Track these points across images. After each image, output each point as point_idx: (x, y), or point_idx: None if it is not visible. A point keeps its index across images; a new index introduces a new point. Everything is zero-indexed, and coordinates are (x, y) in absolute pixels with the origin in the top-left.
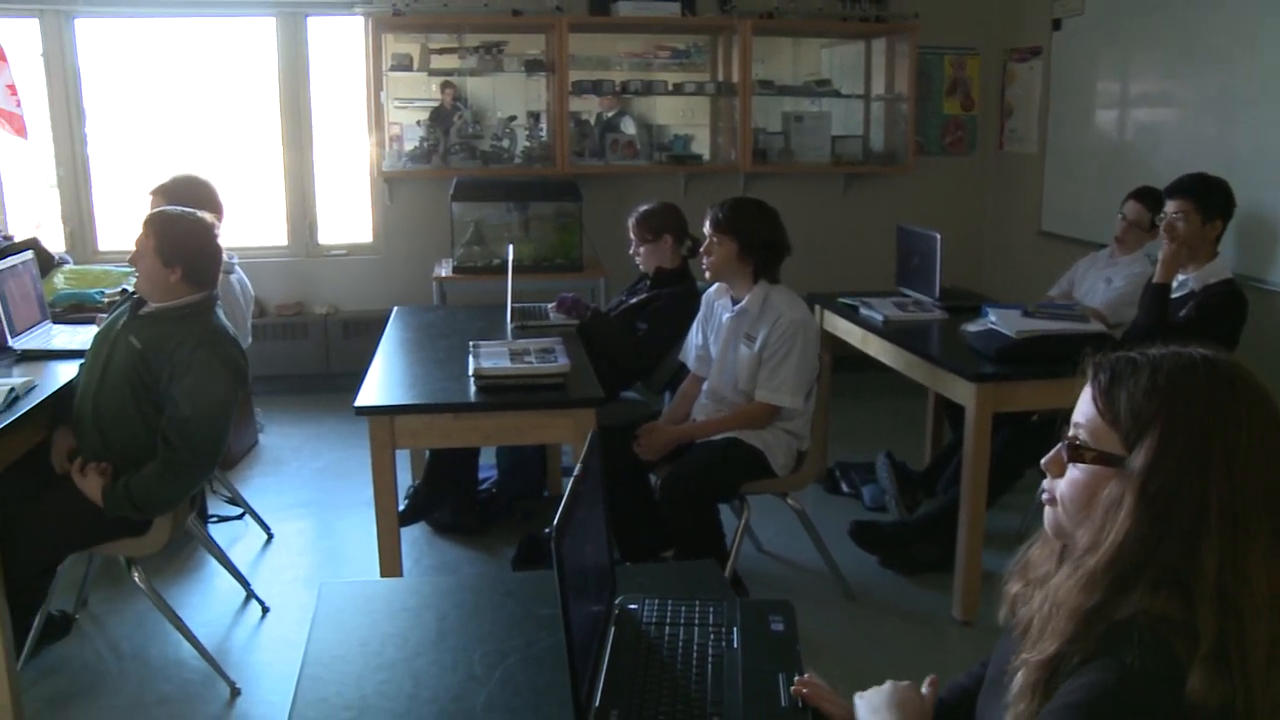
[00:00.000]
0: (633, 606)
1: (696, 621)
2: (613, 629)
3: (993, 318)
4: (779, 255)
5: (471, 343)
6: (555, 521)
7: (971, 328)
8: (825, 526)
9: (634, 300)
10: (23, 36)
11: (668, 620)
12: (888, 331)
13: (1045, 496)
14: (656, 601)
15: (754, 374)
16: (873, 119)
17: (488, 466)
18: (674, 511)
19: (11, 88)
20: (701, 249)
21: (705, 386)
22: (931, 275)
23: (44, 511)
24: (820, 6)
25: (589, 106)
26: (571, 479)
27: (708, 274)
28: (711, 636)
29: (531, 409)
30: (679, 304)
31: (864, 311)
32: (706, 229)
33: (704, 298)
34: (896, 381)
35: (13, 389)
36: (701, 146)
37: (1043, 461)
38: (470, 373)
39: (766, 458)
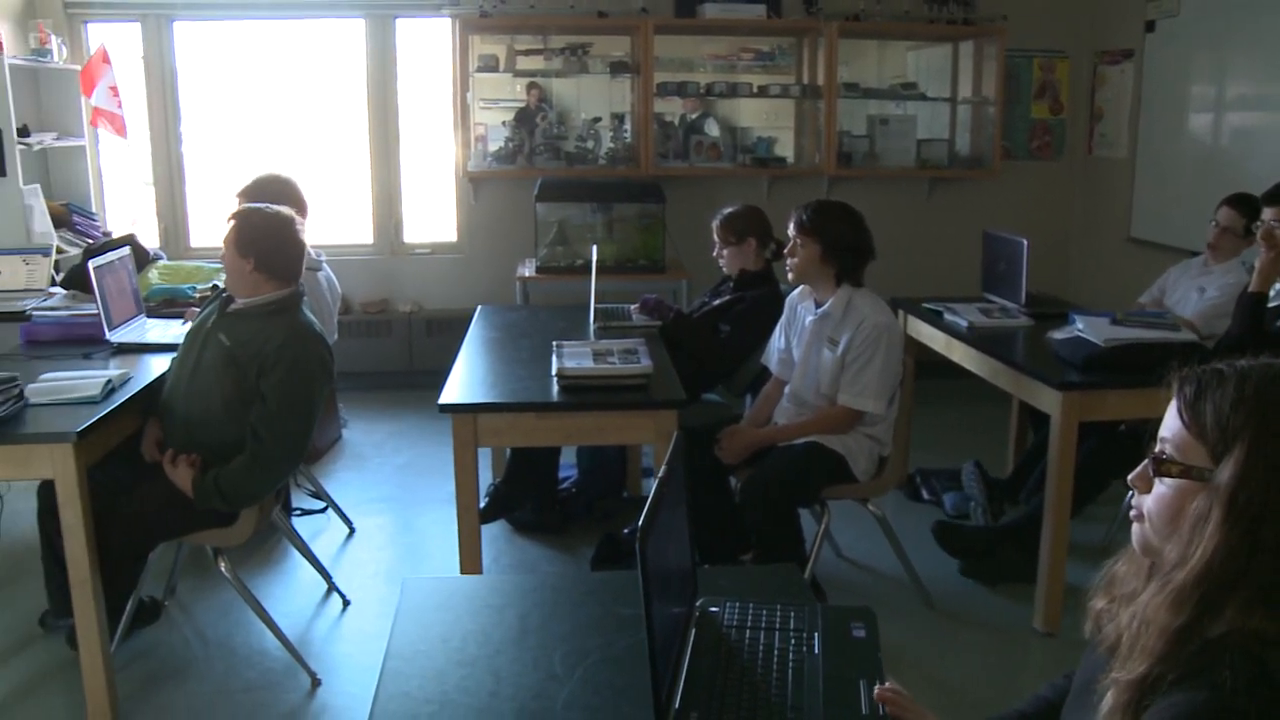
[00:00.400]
0: (714, 609)
1: (778, 626)
2: (693, 631)
3: (1080, 325)
4: (863, 258)
5: (555, 342)
6: (640, 522)
7: (1058, 335)
8: (905, 533)
9: (717, 302)
10: (125, 40)
11: (748, 624)
12: (972, 338)
13: (1133, 513)
14: (737, 605)
15: (836, 378)
16: (958, 123)
17: (568, 466)
18: (754, 515)
19: (114, 89)
20: (785, 251)
21: (787, 390)
22: (1017, 281)
23: (137, 500)
24: (907, 9)
25: (673, 108)
26: (656, 480)
27: (791, 276)
28: (792, 641)
29: (614, 410)
30: (762, 307)
31: (948, 317)
32: (790, 231)
33: (787, 301)
34: (980, 388)
35: (110, 380)
36: (785, 149)
37: (1129, 477)
38: (553, 372)
39: (848, 463)
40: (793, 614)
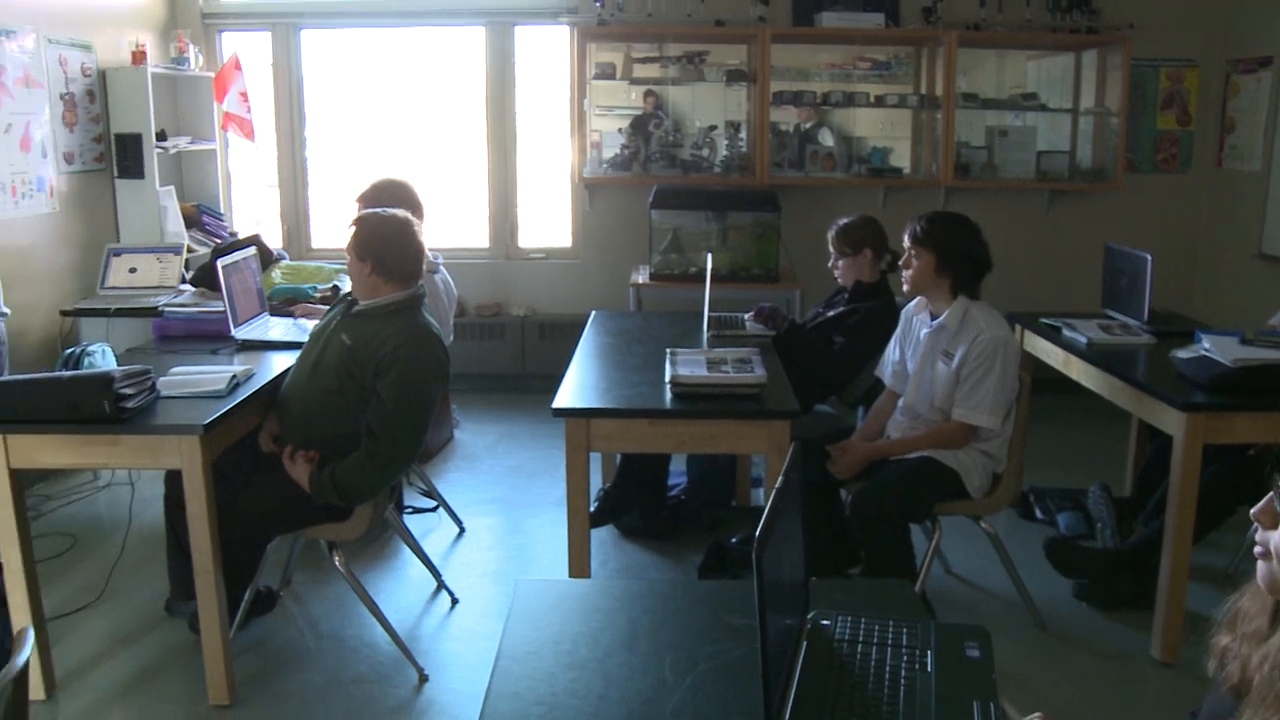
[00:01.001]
0: (825, 622)
1: (890, 642)
2: (805, 644)
3: (1207, 344)
4: (979, 270)
5: (669, 350)
6: (757, 532)
7: (1183, 354)
8: (1018, 553)
9: (831, 313)
10: (256, 48)
11: (860, 639)
12: (1092, 354)
13: (1258, 549)
14: (849, 619)
15: (951, 392)
16: (1080, 134)
17: (677, 473)
18: (864, 529)
19: (244, 95)
20: (900, 262)
21: (901, 403)
22: (1141, 298)
23: (257, 493)
24: (1028, 18)
25: (787, 117)
26: (772, 490)
27: (906, 288)
28: (905, 658)
29: (726, 418)
30: (876, 319)
31: (1067, 333)
32: (906, 242)
33: (903, 313)
34: (1098, 406)
35: (234, 376)
36: (901, 159)
37: (1252, 512)
38: (667, 380)
39: (961, 479)
40: (906, 630)
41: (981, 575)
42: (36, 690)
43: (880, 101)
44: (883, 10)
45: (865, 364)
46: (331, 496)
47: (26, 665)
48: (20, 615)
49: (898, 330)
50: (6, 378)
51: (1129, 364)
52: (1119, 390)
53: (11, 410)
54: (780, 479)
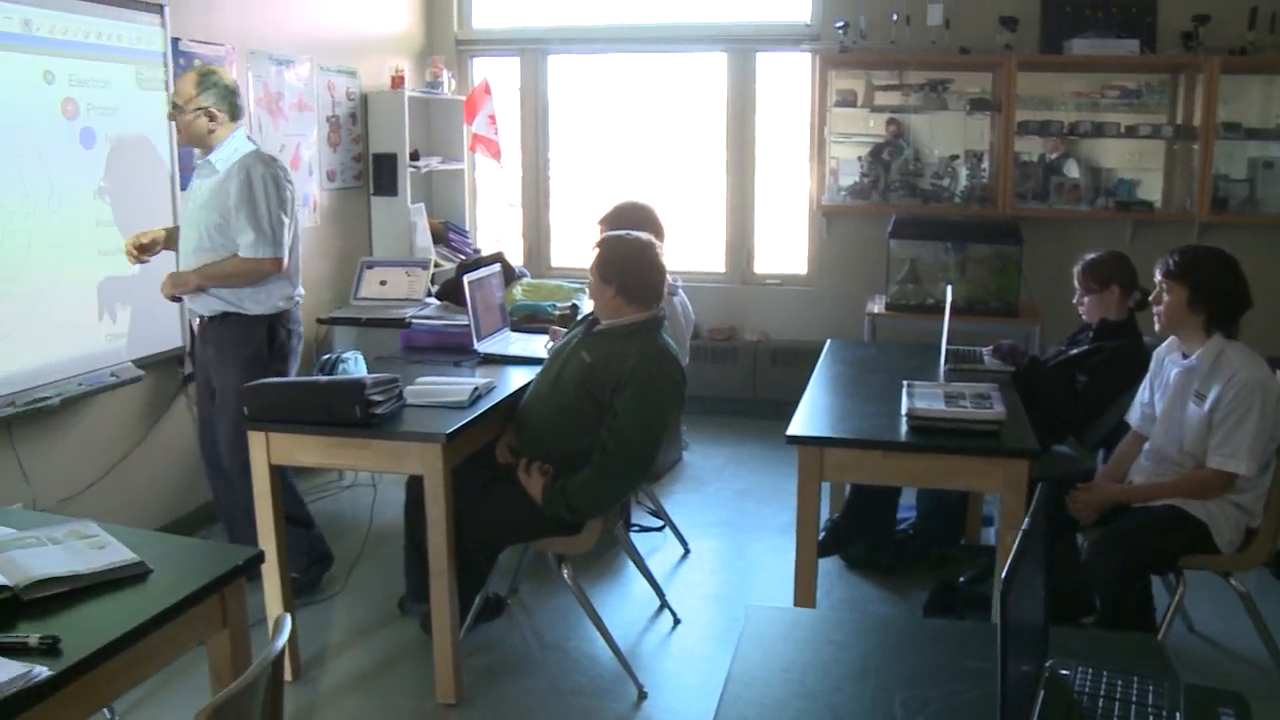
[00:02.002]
0: (1064, 672)
1: (1134, 699)
2: (1042, 693)
3: None
4: (1236, 307)
5: (905, 382)
6: (1004, 573)
7: None
8: (1273, 615)
9: (1075, 351)
10: (504, 73)
11: (1102, 693)
12: None
13: None
14: (1090, 671)
15: (1203, 436)
16: None
17: (906, 507)
18: (1102, 577)
19: (492, 118)
20: (1151, 298)
21: (1146, 447)
22: None
23: (492, 502)
24: None
25: (1031, 147)
26: (1009, 531)
27: (1157, 326)
28: (1150, 719)
29: (963, 454)
30: (1123, 358)
31: None
32: (1157, 276)
33: (1154, 353)
34: None
35: (476, 388)
36: (1150, 192)
37: None
38: (903, 412)
39: (1210, 531)
40: (1152, 689)
41: (1229, 637)
42: (286, 672)
43: (1131, 132)
44: (1138, 36)
45: (1108, 405)
46: (562, 510)
47: (284, 649)
48: (274, 602)
49: (1149, 371)
50: (270, 380)
51: None
52: None
53: (273, 410)
54: (1027, 520)
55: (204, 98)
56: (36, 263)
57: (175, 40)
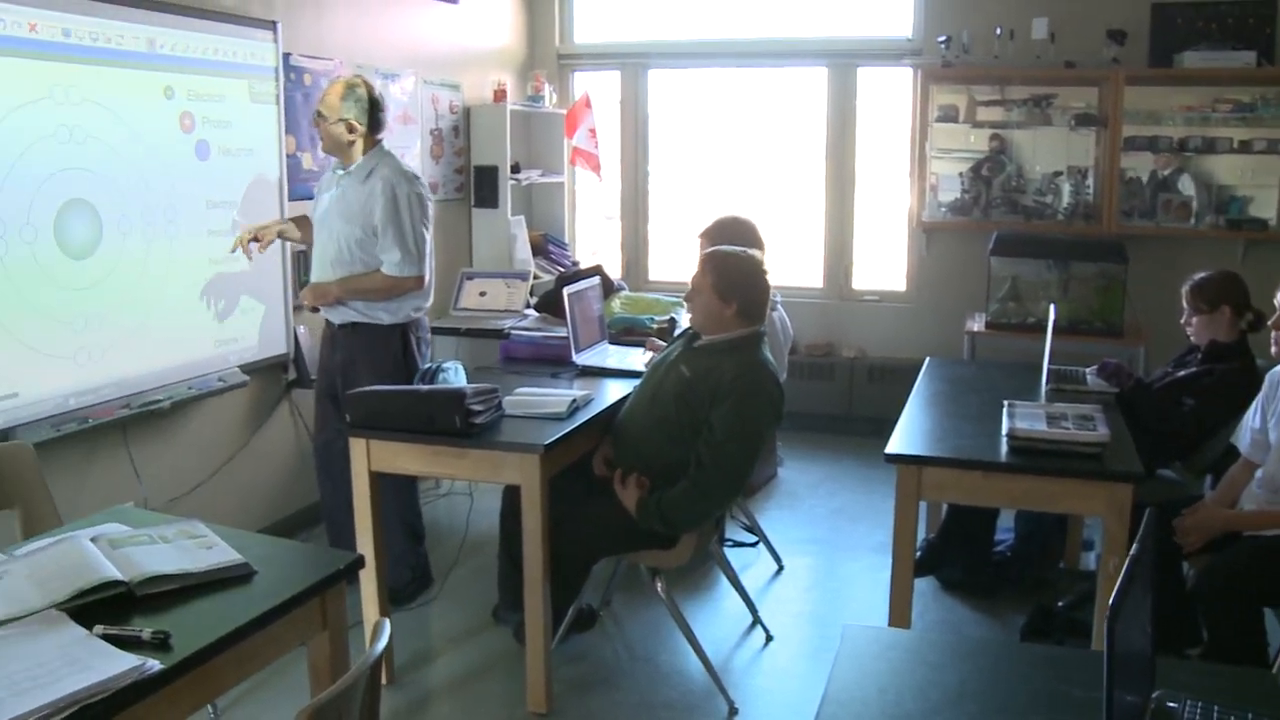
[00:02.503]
0: (1172, 704)
1: None
2: None
3: None
4: None
5: (1006, 401)
6: (1111, 600)
7: None
8: None
9: (1182, 373)
10: (605, 86)
11: None
12: None
13: None
14: (1200, 705)
15: None
16: None
17: (1004, 529)
18: (1211, 607)
19: (593, 132)
20: (1270, 322)
21: (1259, 474)
22: None
23: (588, 514)
24: None
25: (1138, 163)
26: (1115, 556)
27: (1275, 349)
28: None
29: (1065, 477)
30: (1233, 382)
31: None
32: (1278, 300)
33: (1268, 377)
34: None
35: (574, 400)
36: (1264, 210)
37: None
38: (1004, 432)
39: None
40: None
41: None
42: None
43: (1245, 147)
44: (1254, 48)
45: (1217, 430)
46: (657, 523)
47: (382, 653)
48: (370, 606)
49: (1261, 394)
50: (372, 388)
51: None
52: None
53: (375, 418)
54: (1135, 546)
55: (346, 108)
56: (153, 270)
57: (286, 55)
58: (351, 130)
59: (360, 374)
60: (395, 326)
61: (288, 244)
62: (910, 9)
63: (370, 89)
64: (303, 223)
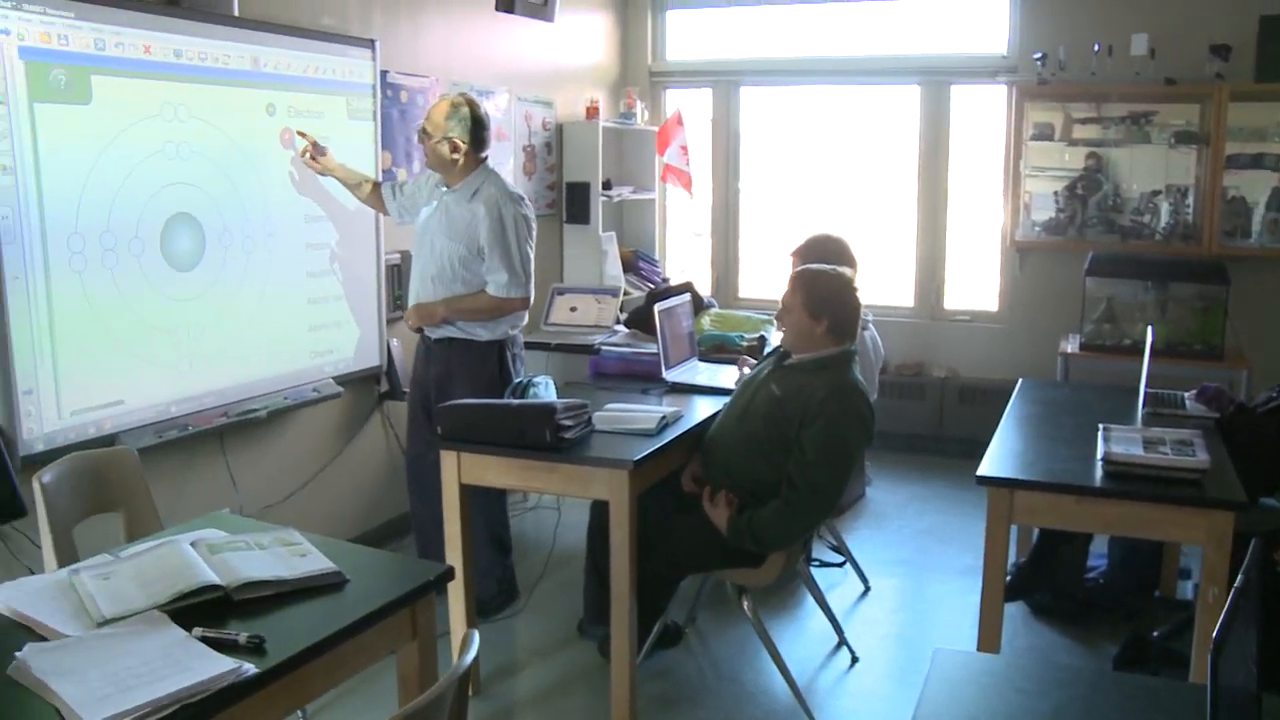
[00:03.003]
0: None
1: None
2: None
3: None
4: None
5: (1101, 425)
6: (1215, 633)
7: None
8: None
9: None
10: (696, 104)
11: None
12: None
13: None
14: None
15: None
16: None
17: (1097, 555)
18: None
19: (684, 149)
20: None
21: None
22: None
23: (676, 531)
24: None
25: (1241, 182)
26: (1216, 588)
27: None
28: None
29: (1162, 503)
30: None
31: None
32: None
33: None
34: None
35: (664, 416)
36: None
37: None
38: (1099, 456)
39: None
40: None
41: None
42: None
43: None
44: None
45: None
46: (747, 542)
47: (471, 664)
48: (457, 617)
49: None
50: (464, 401)
51: None
52: None
53: (466, 431)
54: (1240, 577)
55: (451, 127)
56: (252, 281)
57: (384, 73)
58: (455, 149)
59: (456, 388)
60: (492, 343)
61: (382, 255)
62: (1005, 26)
63: (475, 108)
64: (360, 186)
